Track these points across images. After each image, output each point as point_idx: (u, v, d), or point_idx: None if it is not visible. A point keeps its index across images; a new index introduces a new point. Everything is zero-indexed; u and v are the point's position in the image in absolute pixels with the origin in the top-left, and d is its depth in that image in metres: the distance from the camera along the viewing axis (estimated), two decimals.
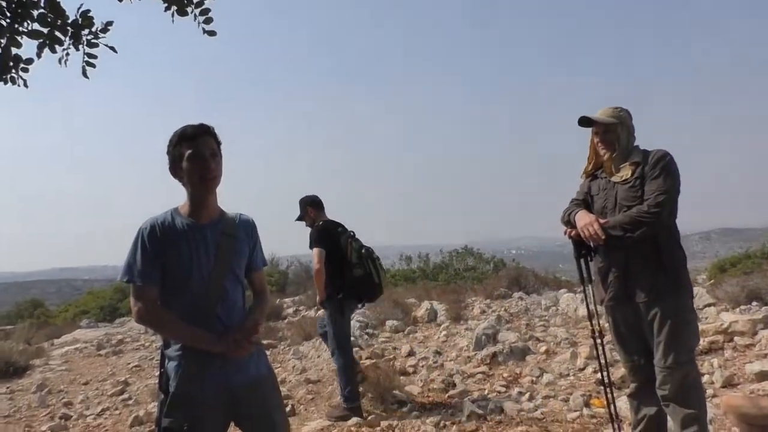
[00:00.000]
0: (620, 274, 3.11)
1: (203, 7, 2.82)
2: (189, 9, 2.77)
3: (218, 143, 2.24)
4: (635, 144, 3.21)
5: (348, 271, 4.82)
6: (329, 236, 4.91)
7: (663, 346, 2.97)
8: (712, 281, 10.07)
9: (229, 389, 2.18)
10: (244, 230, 2.34)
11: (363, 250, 4.93)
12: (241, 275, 2.31)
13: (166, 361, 2.22)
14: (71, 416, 5.82)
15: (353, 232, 5.06)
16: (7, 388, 7.19)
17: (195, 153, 2.14)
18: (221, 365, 2.17)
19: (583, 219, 3.13)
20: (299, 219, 5.14)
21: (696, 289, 7.60)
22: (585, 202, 3.34)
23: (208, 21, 2.85)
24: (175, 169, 2.21)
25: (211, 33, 2.89)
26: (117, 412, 5.94)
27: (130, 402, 6.22)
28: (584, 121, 3.23)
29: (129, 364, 8.25)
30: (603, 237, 3.01)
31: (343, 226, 5.07)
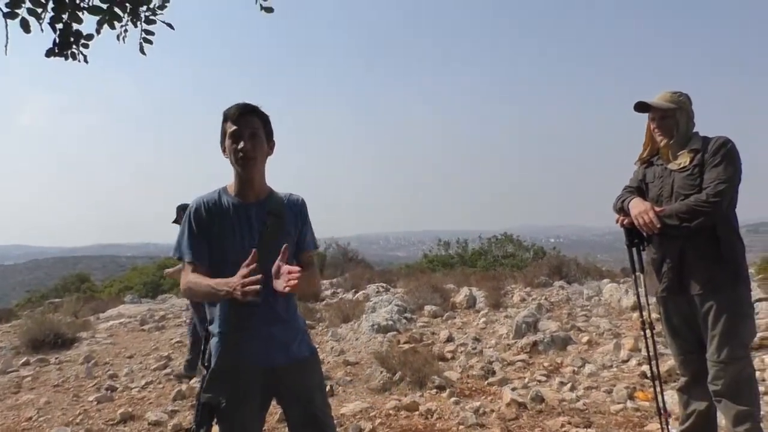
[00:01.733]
0: (675, 264, 3.01)
1: None
2: None
3: (264, 122, 2.23)
4: (695, 130, 3.09)
5: None
6: None
7: (718, 340, 2.87)
8: (761, 276, 9.72)
9: (270, 368, 2.18)
10: (292, 210, 2.31)
11: None
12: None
13: (210, 337, 2.24)
14: (117, 388, 5.97)
15: None
16: (56, 358, 7.41)
17: (234, 132, 2.15)
18: (262, 344, 2.17)
19: (638, 207, 3.04)
20: (175, 222, 5.96)
21: None
22: (639, 189, 3.24)
23: None
24: (222, 147, 2.22)
25: (269, 9, 2.86)
26: (160, 385, 6.07)
27: (173, 376, 6.35)
28: (641, 106, 3.13)
29: (171, 339, 8.42)
30: (658, 226, 2.92)
31: None
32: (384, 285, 11.12)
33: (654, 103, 3.07)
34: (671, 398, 3.68)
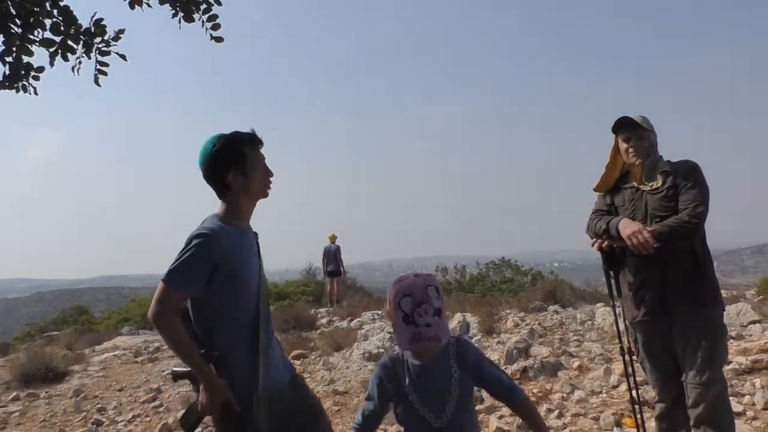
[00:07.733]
0: (657, 287, 2.94)
1: (210, 13, 2.83)
2: (196, 15, 2.79)
3: None
4: (659, 154, 3.09)
5: None
6: None
7: (700, 362, 2.81)
8: (760, 297, 9.60)
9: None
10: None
11: None
12: None
13: None
14: (103, 422, 5.91)
15: None
16: (46, 392, 7.34)
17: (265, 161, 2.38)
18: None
19: (630, 227, 2.89)
20: None
21: (741, 305, 7.26)
22: (609, 213, 3.17)
23: (216, 27, 2.85)
24: (242, 168, 2.30)
25: (219, 39, 2.88)
26: (147, 419, 6.00)
27: (161, 409, 6.28)
28: (623, 125, 3.06)
29: (163, 371, 8.33)
30: (655, 245, 2.81)
31: None
32: (379, 312, 11.02)
33: (640, 122, 3.01)
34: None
